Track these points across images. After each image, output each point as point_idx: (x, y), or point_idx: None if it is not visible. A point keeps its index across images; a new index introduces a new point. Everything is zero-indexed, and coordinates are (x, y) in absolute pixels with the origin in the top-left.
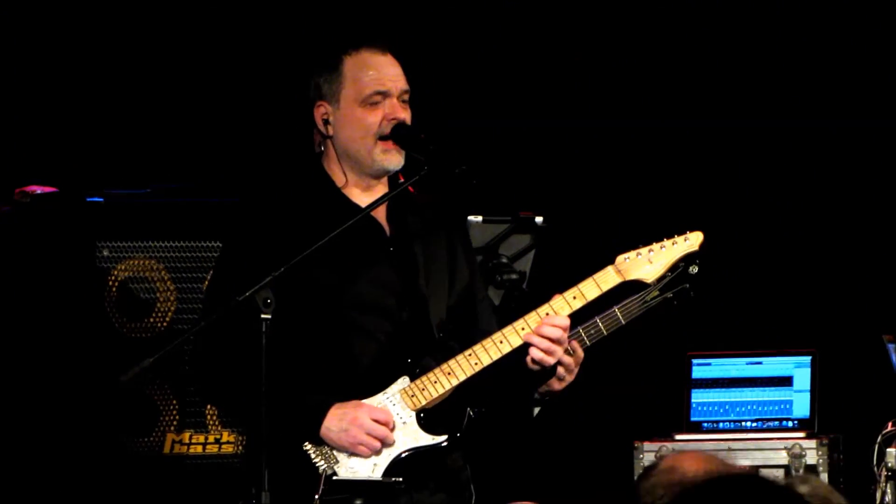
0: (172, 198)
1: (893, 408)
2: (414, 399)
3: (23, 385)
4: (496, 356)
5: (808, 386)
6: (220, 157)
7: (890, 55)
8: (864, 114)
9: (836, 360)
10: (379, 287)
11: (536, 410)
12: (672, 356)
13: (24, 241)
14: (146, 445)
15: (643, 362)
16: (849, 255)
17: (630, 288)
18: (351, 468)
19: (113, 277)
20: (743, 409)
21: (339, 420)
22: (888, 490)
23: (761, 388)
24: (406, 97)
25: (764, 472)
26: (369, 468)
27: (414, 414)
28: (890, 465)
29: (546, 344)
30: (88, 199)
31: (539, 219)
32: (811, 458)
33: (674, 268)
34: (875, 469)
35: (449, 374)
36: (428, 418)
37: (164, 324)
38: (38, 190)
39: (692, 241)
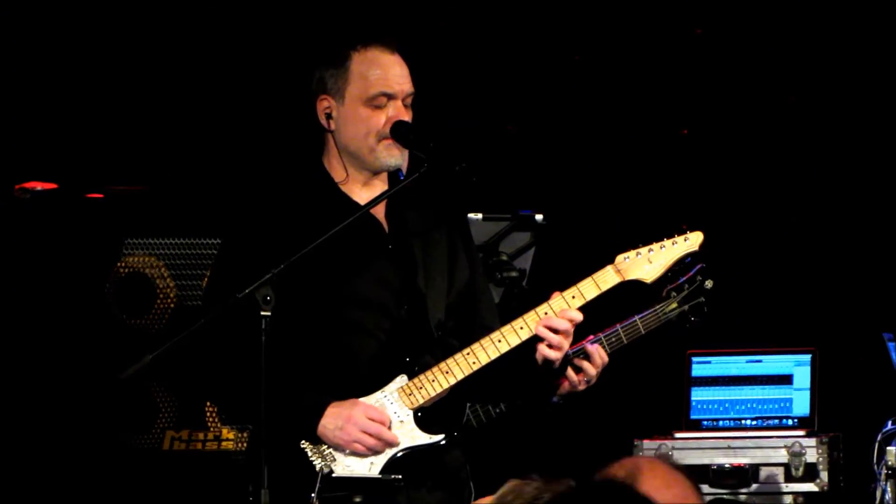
0: (173, 195)
1: (893, 406)
2: (411, 398)
3: (22, 381)
4: (494, 355)
5: (807, 384)
6: (221, 153)
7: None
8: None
9: (836, 358)
10: (377, 284)
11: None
12: (672, 354)
13: (23, 238)
14: (145, 442)
15: (643, 360)
16: (849, 254)
17: (629, 286)
18: (347, 466)
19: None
20: (743, 407)
21: (335, 418)
22: (888, 488)
23: (761, 387)
24: (409, 100)
25: (764, 470)
26: (366, 466)
27: (411, 413)
28: (890, 463)
29: (555, 338)
30: (88, 196)
31: (539, 216)
32: (811, 456)
33: (691, 281)
34: (875, 467)
35: (447, 372)
36: (425, 417)
37: (164, 321)
38: (39, 187)
39: (692, 240)
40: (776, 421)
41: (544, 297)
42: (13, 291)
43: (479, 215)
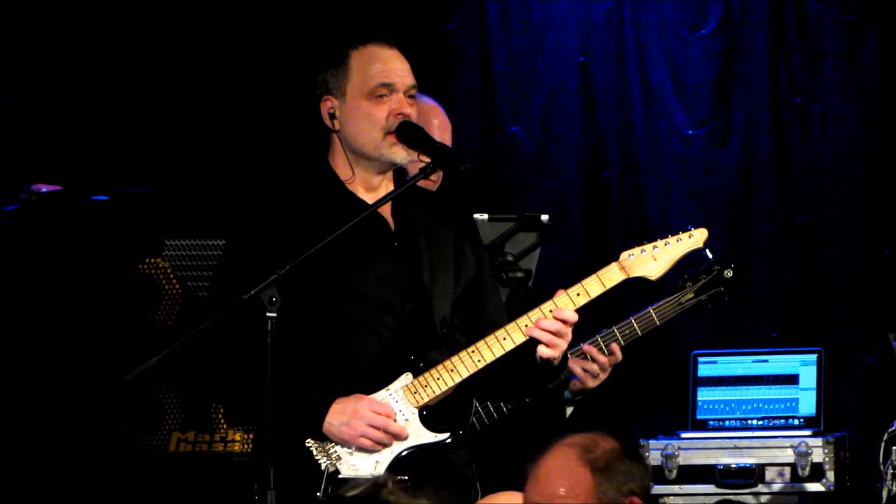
0: (178, 196)
1: None
2: (417, 396)
3: (28, 384)
4: (499, 353)
5: (814, 384)
6: (226, 155)
7: None
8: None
9: (842, 358)
10: (382, 282)
11: (569, 411)
12: (678, 354)
13: (28, 240)
14: (151, 444)
15: (649, 360)
16: (855, 253)
17: (637, 284)
18: (353, 465)
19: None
20: (749, 407)
21: (340, 414)
22: (894, 488)
23: (767, 386)
24: (413, 93)
25: (770, 470)
26: (371, 466)
27: (417, 411)
28: None
29: (547, 337)
30: (94, 198)
31: (545, 217)
32: (817, 456)
33: (708, 270)
34: (881, 467)
35: (452, 370)
36: (431, 415)
37: (170, 322)
38: (44, 188)
39: (697, 238)
40: (782, 421)
41: (550, 298)
42: (18, 294)
43: (485, 216)
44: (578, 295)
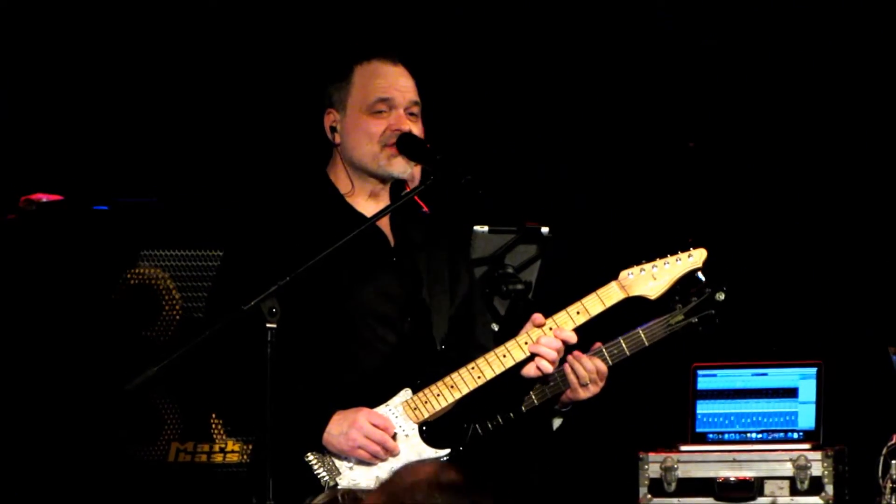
0: (179, 207)
1: None
2: (416, 412)
3: (28, 393)
4: (499, 370)
5: (813, 397)
6: (226, 166)
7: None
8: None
9: (841, 371)
10: (382, 297)
11: (558, 423)
12: (677, 367)
13: (29, 249)
14: (151, 454)
15: (648, 373)
16: (855, 266)
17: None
18: (353, 479)
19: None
20: (748, 420)
21: (339, 424)
22: (893, 502)
23: (766, 400)
24: (415, 109)
25: (769, 483)
26: (371, 480)
27: (416, 427)
28: (895, 476)
29: (553, 355)
30: (95, 208)
31: (545, 229)
32: (816, 469)
33: (699, 293)
34: (880, 481)
35: (452, 387)
36: (431, 431)
37: (169, 332)
38: (44, 198)
39: (696, 258)
40: (781, 434)
41: (550, 310)
42: (19, 303)
43: (485, 227)
44: (578, 313)
